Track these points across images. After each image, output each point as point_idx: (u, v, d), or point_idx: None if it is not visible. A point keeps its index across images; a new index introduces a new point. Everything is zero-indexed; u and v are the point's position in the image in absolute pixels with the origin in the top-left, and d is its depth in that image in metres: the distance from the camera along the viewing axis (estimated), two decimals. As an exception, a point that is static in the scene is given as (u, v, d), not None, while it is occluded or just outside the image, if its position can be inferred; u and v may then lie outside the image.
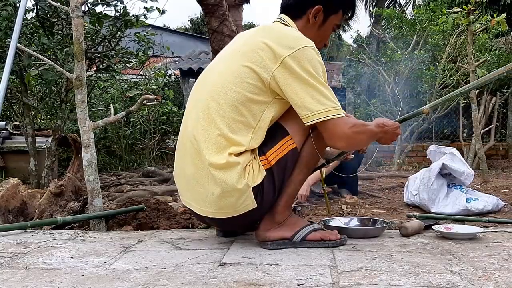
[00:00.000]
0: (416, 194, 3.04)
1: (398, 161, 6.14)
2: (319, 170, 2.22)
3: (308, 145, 1.70)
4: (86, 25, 3.66)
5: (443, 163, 2.91)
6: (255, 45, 1.65)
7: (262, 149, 1.65)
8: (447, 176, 3.01)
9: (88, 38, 3.92)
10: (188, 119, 1.73)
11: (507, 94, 7.20)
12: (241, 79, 1.62)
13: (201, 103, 1.67)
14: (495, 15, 4.19)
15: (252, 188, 1.61)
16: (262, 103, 1.63)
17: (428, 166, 3.11)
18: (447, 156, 2.96)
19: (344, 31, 14.38)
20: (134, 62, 4.69)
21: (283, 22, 1.80)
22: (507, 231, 2.04)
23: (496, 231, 2.05)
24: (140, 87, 6.52)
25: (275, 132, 1.67)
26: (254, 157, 1.64)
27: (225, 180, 1.58)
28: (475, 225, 2.12)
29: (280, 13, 1.85)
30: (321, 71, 1.63)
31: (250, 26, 18.67)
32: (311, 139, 1.70)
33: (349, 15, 1.89)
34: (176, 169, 1.79)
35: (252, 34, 1.74)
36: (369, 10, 13.85)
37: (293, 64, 1.59)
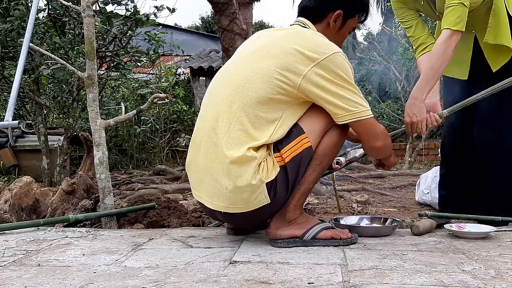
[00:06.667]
0: (427, 193, 3.01)
1: (409, 159, 6.10)
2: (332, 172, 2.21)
3: (323, 144, 1.71)
4: (97, 24, 3.68)
5: (455, 162, 2.88)
6: (284, 49, 1.66)
7: (277, 146, 1.66)
8: (459, 175, 2.98)
9: (99, 37, 3.94)
10: (207, 114, 1.73)
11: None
12: (268, 79, 1.63)
13: (222, 99, 1.68)
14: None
15: (266, 184, 1.61)
16: (285, 102, 1.65)
17: (440, 165, 3.08)
18: (459, 155, 2.93)
19: (359, 29, 14.33)
20: (145, 61, 4.71)
21: (303, 25, 1.81)
22: (520, 230, 2.02)
23: (509, 230, 2.03)
24: (150, 85, 6.56)
25: (290, 130, 1.68)
26: (269, 153, 1.65)
27: (240, 175, 1.59)
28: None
29: (298, 15, 1.86)
30: (351, 75, 1.69)
31: (260, 24, 18.66)
32: (327, 138, 1.71)
33: (363, 18, 1.94)
34: (189, 162, 1.79)
35: (279, 38, 1.74)
36: (381, 8, 13.78)
37: (325, 69, 1.63)
